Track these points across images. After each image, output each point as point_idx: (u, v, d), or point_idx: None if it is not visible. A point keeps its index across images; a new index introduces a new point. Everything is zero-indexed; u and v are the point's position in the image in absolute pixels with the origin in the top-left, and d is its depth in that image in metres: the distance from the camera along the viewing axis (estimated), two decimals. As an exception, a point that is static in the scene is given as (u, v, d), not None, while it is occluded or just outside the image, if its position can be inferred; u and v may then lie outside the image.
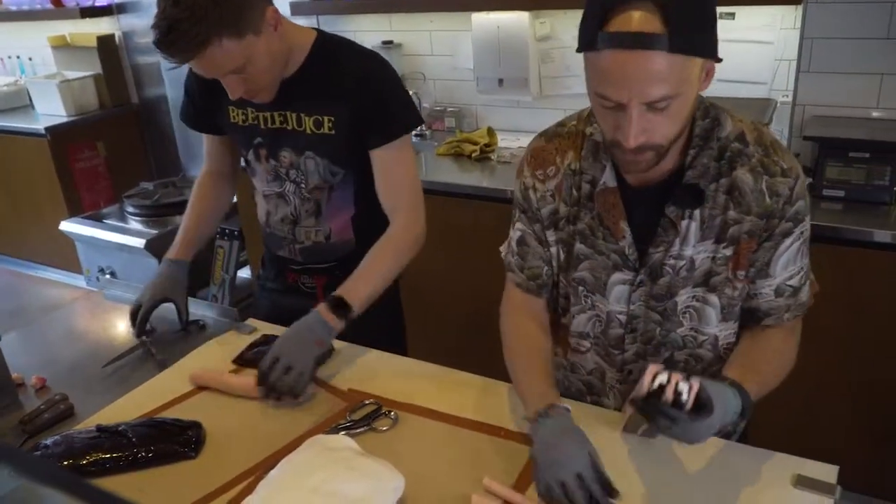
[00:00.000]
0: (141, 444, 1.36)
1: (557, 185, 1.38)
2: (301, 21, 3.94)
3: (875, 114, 2.53)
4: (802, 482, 1.21)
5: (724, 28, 1.16)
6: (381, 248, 1.69)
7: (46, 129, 4.29)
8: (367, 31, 3.66)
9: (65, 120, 4.43)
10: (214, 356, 1.70)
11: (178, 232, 1.90)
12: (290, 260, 1.89)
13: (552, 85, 3.26)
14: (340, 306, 1.57)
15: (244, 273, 3.43)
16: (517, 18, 3.15)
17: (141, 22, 4.43)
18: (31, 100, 4.69)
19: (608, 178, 1.32)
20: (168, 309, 1.80)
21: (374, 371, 1.61)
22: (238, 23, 1.46)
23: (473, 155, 3.08)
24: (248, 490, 1.25)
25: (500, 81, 3.32)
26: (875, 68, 2.48)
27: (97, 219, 3.50)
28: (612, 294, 1.38)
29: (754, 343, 1.37)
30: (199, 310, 1.93)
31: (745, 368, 1.28)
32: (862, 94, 2.53)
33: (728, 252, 1.30)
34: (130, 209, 3.48)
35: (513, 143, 3.21)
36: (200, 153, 2.00)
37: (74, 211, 4.20)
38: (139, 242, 3.20)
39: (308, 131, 1.70)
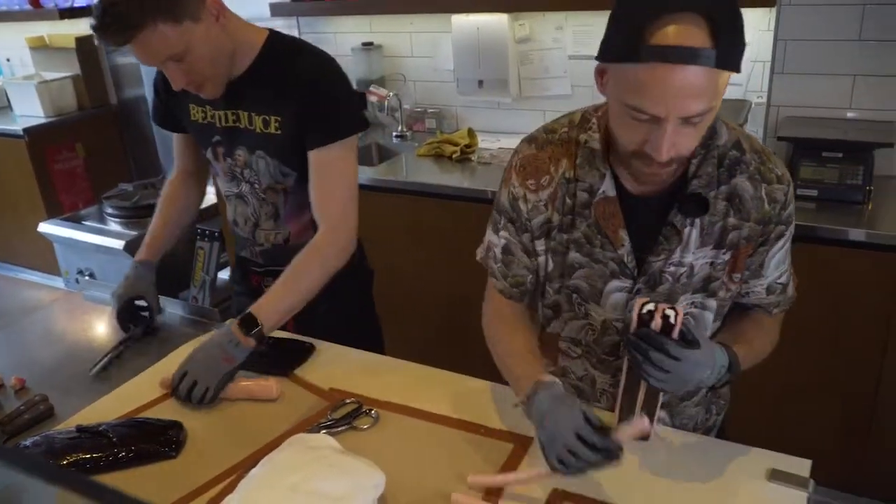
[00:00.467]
0: (121, 443, 1.36)
1: (551, 194, 1.35)
2: (281, 22, 3.95)
3: (849, 114, 2.57)
4: (777, 476, 1.23)
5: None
6: (305, 259, 1.67)
7: (24, 130, 4.26)
8: (347, 32, 3.66)
9: (43, 121, 4.40)
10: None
11: (146, 234, 1.92)
12: (253, 262, 1.91)
13: (531, 86, 3.28)
14: (251, 324, 1.55)
15: (224, 274, 3.42)
16: (497, 21, 3.17)
17: (120, 23, 4.39)
18: (8, 101, 4.64)
19: (608, 188, 1.30)
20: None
21: (354, 370, 1.62)
22: (175, 8, 1.46)
23: (454, 156, 3.09)
24: (229, 489, 1.26)
25: (480, 83, 3.34)
26: (847, 70, 2.52)
27: (76, 220, 3.48)
28: (609, 302, 1.37)
29: (741, 318, 1.41)
30: (179, 310, 1.93)
31: (732, 335, 1.33)
32: (835, 95, 2.57)
33: (726, 257, 1.31)
34: (109, 210, 3.46)
35: (493, 144, 3.22)
36: (179, 155, 2.00)
37: (53, 212, 4.16)
38: (118, 244, 3.18)
39: (258, 130, 1.70)
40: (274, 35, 1.70)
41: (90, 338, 1.87)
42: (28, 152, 4.28)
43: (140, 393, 1.57)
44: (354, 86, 3.64)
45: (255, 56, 1.67)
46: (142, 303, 1.82)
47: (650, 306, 1.18)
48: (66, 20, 4.37)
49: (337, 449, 1.29)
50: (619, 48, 1.11)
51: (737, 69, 1.12)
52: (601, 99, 1.26)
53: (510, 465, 1.30)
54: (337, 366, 1.64)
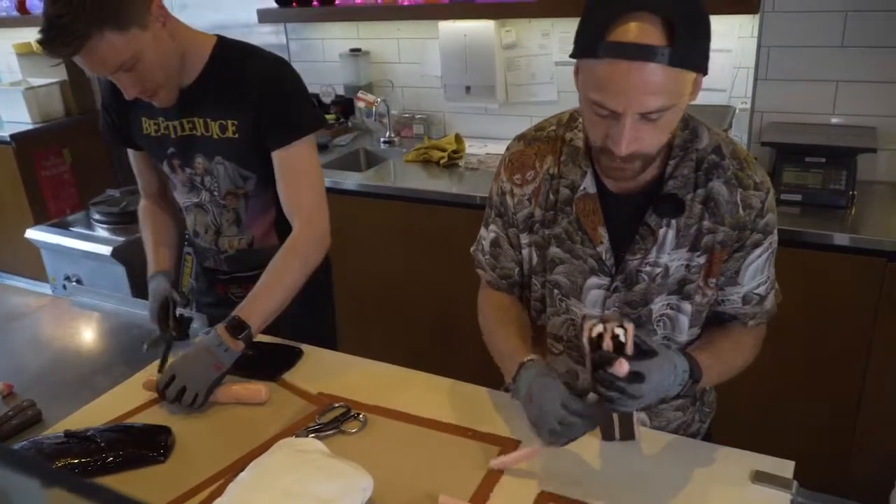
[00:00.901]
0: (110, 448, 1.36)
1: (535, 189, 1.40)
2: (268, 28, 3.96)
3: (832, 120, 2.60)
4: (760, 477, 1.25)
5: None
6: (283, 258, 1.67)
7: (11, 136, 4.24)
8: (334, 38, 3.67)
9: (30, 127, 4.38)
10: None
11: (147, 256, 1.88)
12: (217, 270, 1.90)
13: (518, 92, 3.30)
14: (238, 327, 1.56)
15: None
16: (483, 27, 3.19)
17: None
18: (-5, 107, 4.63)
19: (588, 185, 1.34)
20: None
21: (342, 374, 1.63)
22: (119, 15, 1.45)
23: (441, 161, 3.10)
24: (218, 493, 1.26)
25: (468, 89, 3.36)
26: (831, 76, 2.55)
27: (63, 226, 3.47)
28: (588, 298, 1.40)
29: (713, 330, 1.42)
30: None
31: (700, 344, 1.35)
32: (818, 101, 2.60)
33: (701, 260, 1.33)
34: (97, 216, 3.45)
35: (480, 149, 3.24)
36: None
37: (40, 218, 4.15)
38: (106, 250, 3.17)
39: (215, 136, 1.70)
40: (222, 40, 1.71)
41: (78, 343, 1.87)
42: (15, 158, 4.27)
43: (127, 398, 1.57)
44: (342, 92, 3.66)
45: (206, 62, 1.67)
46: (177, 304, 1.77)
47: (599, 328, 1.18)
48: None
49: (325, 452, 1.29)
50: (583, 45, 1.16)
51: (698, 69, 1.15)
52: None
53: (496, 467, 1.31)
54: (325, 370, 1.65)
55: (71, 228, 3.43)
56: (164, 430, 1.43)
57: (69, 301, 2.09)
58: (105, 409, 1.53)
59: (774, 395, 2.43)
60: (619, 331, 1.16)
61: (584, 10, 1.17)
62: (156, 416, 1.51)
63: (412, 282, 2.98)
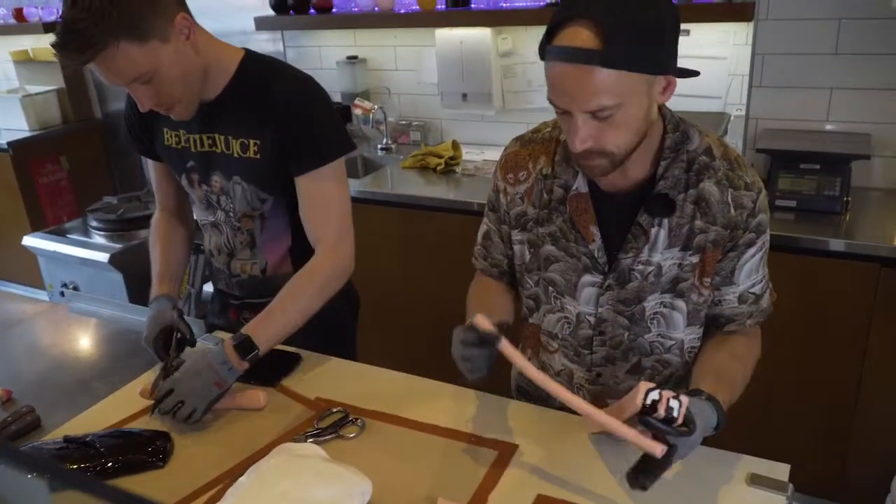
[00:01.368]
0: (109, 454, 1.37)
1: (528, 188, 1.44)
2: (265, 36, 3.97)
3: (826, 127, 2.61)
4: (756, 480, 1.25)
5: (679, 44, 1.21)
6: (302, 281, 1.62)
7: (9, 143, 4.26)
8: (331, 46, 3.69)
9: (27, 134, 4.40)
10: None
11: (152, 275, 1.81)
12: (230, 294, 1.86)
13: (515, 99, 3.32)
14: (247, 349, 1.52)
15: (210, 287, 3.42)
16: (480, 35, 3.20)
17: (104, 36, 4.40)
18: (-8, 115, 4.64)
19: (580, 184, 1.38)
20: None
21: (341, 379, 1.63)
22: (139, 25, 1.38)
23: (438, 168, 3.11)
24: (217, 498, 1.26)
25: (464, 96, 3.37)
26: (825, 83, 2.56)
27: (60, 233, 3.47)
28: (582, 296, 1.43)
29: (719, 350, 1.41)
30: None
31: (716, 379, 1.31)
32: (812, 108, 2.61)
33: (694, 259, 1.35)
34: (94, 224, 3.45)
35: (477, 156, 3.25)
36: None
37: (37, 226, 4.15)
38: (103, 257, 3.17)
39: (235, 154, 1.64)
40: (250, 55, 1.63)
41: (76, 350, 1.87)
42: (12, 166, 4.28)
43: (126, 404, 1.58)
44: (339, 99, 3.67)
45: (231, 77, 1.60)
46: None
47: (654, 395, 1.13)
48: (50, 34, 4.33)
49: (324, 457, 1.30)
50: (539, 49, 1.22)
51: (645, 69, 1.16)
52: None
53: (494, 471, 1.31)
54: (323, 375, 1.66)
55: (68, 235, 3.44)
56: (163, 436, 1.43)
57: (67, 308, 2.09)
58: (104, 415, 1.54)
59: (770, 399, 2.44)
60: (674, 403, 1.12)
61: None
62: (155, 421, 1.51)
63: (409, 287, 2.99)
